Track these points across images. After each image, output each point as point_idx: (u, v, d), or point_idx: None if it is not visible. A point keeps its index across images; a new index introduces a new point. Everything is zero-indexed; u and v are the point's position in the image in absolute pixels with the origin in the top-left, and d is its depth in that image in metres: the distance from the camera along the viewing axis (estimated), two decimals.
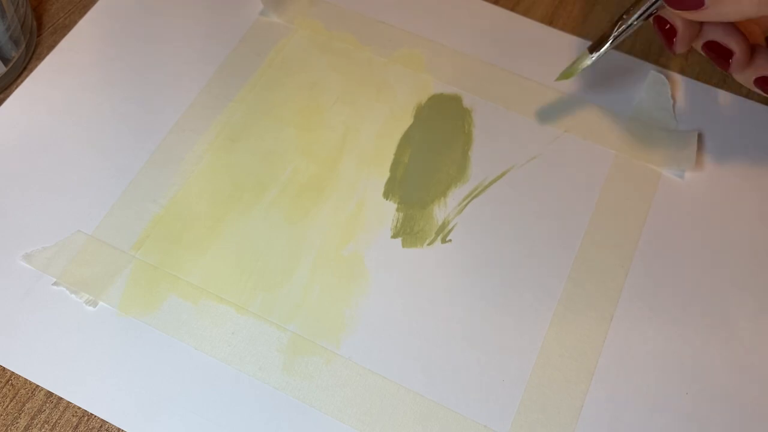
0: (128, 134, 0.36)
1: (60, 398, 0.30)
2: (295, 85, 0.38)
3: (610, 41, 0.33)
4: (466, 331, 0.32)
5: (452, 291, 0.33)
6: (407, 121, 0.37)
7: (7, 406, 0.30)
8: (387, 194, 0.35)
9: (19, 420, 0.30)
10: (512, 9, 0.41)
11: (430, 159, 0.36)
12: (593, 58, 0.33)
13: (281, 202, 0.35)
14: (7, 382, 0.30)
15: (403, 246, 0.34)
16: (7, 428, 0.29)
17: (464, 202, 0.35)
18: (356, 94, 0.38)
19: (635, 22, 0.32)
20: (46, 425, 0.30)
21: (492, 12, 0.41)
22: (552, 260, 0.34)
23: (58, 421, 0.30)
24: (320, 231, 0.34)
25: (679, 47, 0.30)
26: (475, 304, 0.32)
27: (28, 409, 0.30)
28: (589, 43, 0.40)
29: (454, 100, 0.38)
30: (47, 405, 0.30)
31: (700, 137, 0.37)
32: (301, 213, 0.34)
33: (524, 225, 0.34)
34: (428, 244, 0.34)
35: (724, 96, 0.39)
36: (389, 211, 0.35)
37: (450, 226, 0.34)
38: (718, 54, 0.30)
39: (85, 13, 0.40)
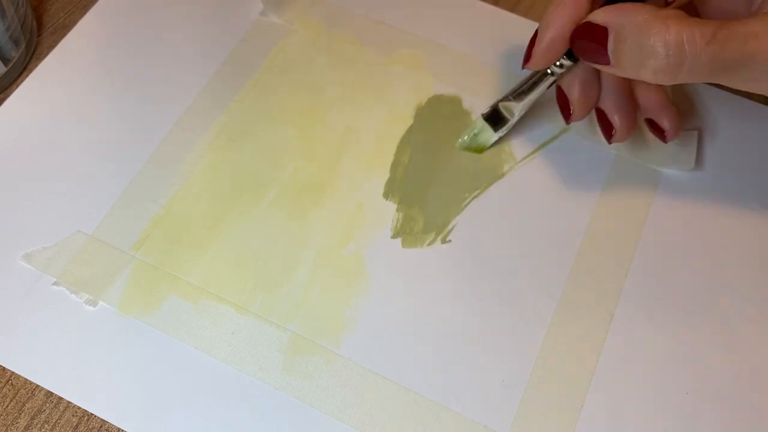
0: (128, 134, 0.36)
1: (60, 398, 0.30)
2: (295, 85, 0.38)
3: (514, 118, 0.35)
4: (466, 331, 0.32)
5: (452, 291, 0.33)
6: (407, 121, 0.37)
7: (7, 406, 0.30)
8: (387, 194, 0.35)
9: (19, 420, 0.30)
10: (512, 9, 0.41)
11: (430, 159, 0.36)
12: (497, 134, 0.36)
13: (281, 202, 0.35)
14: (7, 382, 0.30)
15: (403, 246, 0.34)
16: (7, 428, 0.29)
17: (464, 203, 0.35)
18: (356, 94, 0.38)
19: (535, 92, 0.34)
20: (46, 425, 0.30)
21: (492, 13, 0.41)
22: (552, 260, 0.34)
23: (58, 421, 0.30)
24: (320, 231, 0.34)
25: (576, 117, 0.33)
26: (475, 304, 0.32)
27: (28, 409, 0.30)
28: None
29: (454, 101, 0.38)
30: (47, 405, 0.30)
31: (700, 137, 0.37)
32: (301, 213, 0.34)
33: (524, 225, 0.34)
34: (428, 245, 0.34)
35: (724, 96, 0.39)
36: (389, 211, 0.35)
37: (450, 226, 0.34)
38: (604, 125, 0.33)
39: (85, 13, 0.40)
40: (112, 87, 0.38)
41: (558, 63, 0.32)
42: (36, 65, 0.38)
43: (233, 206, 0.34)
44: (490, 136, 0.36)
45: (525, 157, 0.36)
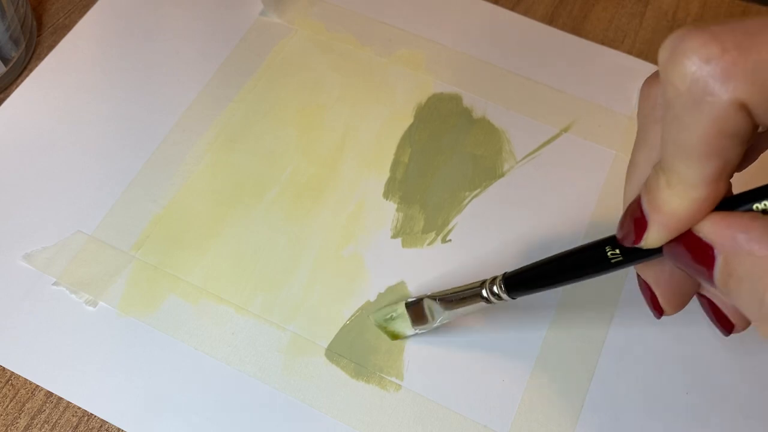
0: (128, 134, 0.36)
1: (60, 398, 0.30)
2: (295, 85, 0.38)
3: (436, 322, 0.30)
4: (465, 331, 0.32)
5: None
6: (407, 121, 0.37)
7: (7, 406, 0.30)
8: (387, 194, 0.35)
9: (19, 420, 0.30)
10: (512, 9, 0.41)
11: (431, 159, 0.36)
12: (415, 332, 0.31)
13: (281, 202, 0.35)
14: (7, 382, 0.30)
15: (403, 246, 0.34)
16: (7, 428, 0.29)
17: (464, 202, 0.35)
18: (356, 94, 0.38)
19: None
20: (46, 425, 0.30)
21: (492, 12, 0.41)
22: None
23: (58, 421, 0.30)
24: (320, 231, 0.34)
25: (669, 313, 0.23)
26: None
27: (28, 409, 0.30)
28: (592, 43, 0.40)
29: (454, 100, 0.38)
30: (47, 405, 0.30)
31: None
32: (301, 213, 0.34)
33: (524, 225, 0.34)
34: (428, 244, 0.34)
35: None
36: (389, 211, 0.35)
37: (450, 226, 0.34)
38: (719, 319, 0.23)
39: (85, 13, 0.40)
40: (111, 87, 0.38)
41: (495, 292, 0.27)
42: (36, 65, 0.38)
43: (233, 206, 0.34)
44: (406, 328, 0.31)
45: (525, 157, 0.36)
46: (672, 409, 0.30)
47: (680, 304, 0.23)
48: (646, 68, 0.39)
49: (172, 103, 0.37)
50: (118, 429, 0.29)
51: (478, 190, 0.35)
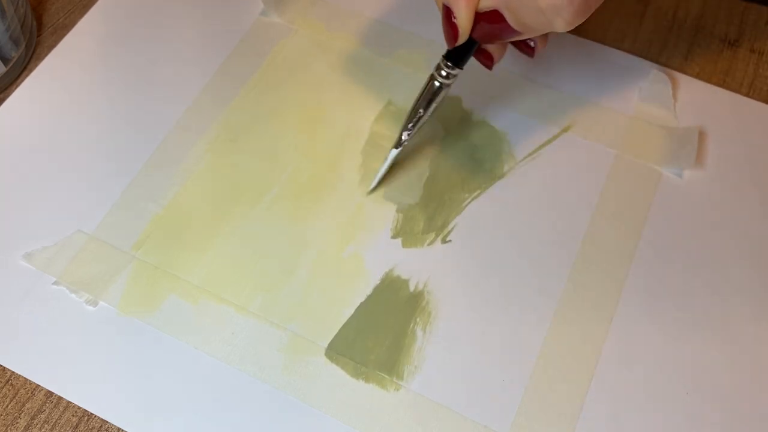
0: (128, 134, 0.36)
1: (60, 398, 0.30)
2: (295, 85, 0.38)
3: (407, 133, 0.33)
4: (466, 331, 0.32)
5: (452, 291, 0.33)
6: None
7: (7, 406, 0.30)
8: (387, 194, 0.35)
9: (19, 420, 0.30)
10: None
11: (430, 161, 0.36)
12: (395, 152, 0.34)
13: (281, 202, 0.35)
14: (7, 382, 0.30)
15: (404, 246, 0.34)
16: (7, 428, 0.29)
17: (464, 202, 0.35)
18: (356, 94, 0.38)
19: (424, 112, 0.33)
20: (46, 425, 0.30)
21: None
22: (552, 260, 0.34)
23: (58, 421, 0.30)
24: (320, 231, 0.34)
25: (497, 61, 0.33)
26: (475, 304, 0.32)
27: (28, 409, 0.30)
28: (592, 43, 0.40)
29: (454, 101, 0.38)
30: (47, 405, 0.30)
31: (701, 135, 0.37)
32: (302, 213, 0.34)
33: (524, 225, 0.34)
34: (428, 245, 0.34)
35: (724, 95, 0.39)
36: (389, 211, 0.35)
37: (450, 226, 0.34)
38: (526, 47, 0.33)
39: (85, 13, 0.40)
40: (112, 87, 0.38)
41: (445, 73, 0.32)
42: (36, 65, 0.38)
43: (233, 206, 0.34)
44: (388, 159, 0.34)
45: (525, 157, 0.36)
46: (672, 409, 0.30)
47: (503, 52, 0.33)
48: (646, 68, 0.39)
49: (172, 102, 0.37)
50: (118, 429, 0.29)
51: (478, 191, 0.35)
